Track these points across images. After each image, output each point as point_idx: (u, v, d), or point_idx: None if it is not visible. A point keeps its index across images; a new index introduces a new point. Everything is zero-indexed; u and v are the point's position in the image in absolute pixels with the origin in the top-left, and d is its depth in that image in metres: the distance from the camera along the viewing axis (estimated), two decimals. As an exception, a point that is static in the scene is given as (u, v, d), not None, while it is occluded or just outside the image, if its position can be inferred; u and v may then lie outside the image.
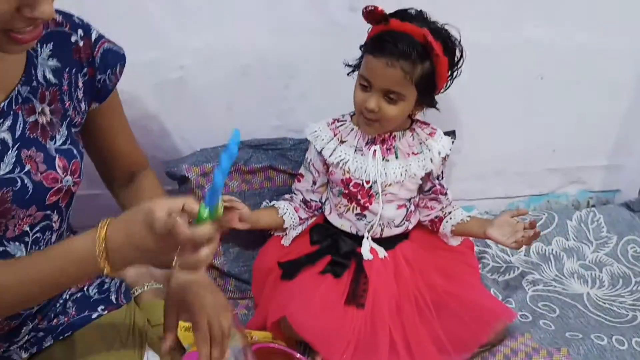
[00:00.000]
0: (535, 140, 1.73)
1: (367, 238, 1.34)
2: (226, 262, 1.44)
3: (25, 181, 0.83)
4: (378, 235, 1.36)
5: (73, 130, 0.92)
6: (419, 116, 1.36)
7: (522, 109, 1.67)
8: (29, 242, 0.88)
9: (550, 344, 1.32)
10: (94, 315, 0.98)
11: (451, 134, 1.46)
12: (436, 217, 1.40)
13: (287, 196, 1.41)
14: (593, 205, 1.89)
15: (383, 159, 1.30)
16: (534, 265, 1.62)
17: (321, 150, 1.32)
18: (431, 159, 1.32)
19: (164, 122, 1.49)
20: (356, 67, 1.27)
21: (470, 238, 1.46)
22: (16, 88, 0.83)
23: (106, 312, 0.99)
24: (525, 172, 1.79)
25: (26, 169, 0.83)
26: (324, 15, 1.41)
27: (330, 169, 1.33)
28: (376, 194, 1.31)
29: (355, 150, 1.31)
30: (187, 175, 1.39)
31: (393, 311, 1.25)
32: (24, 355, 0.92)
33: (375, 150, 1.30)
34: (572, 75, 1.65)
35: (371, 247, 1.34)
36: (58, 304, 0.98)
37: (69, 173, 0.88)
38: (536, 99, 1.66)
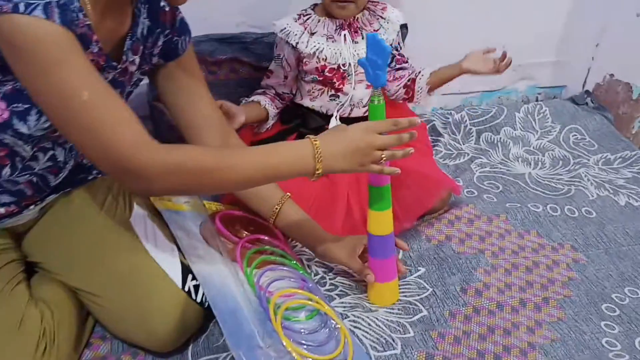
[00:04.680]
0: (486, 37, 1.83)
1: (336, 117, 1.46)
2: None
3: None
4: (346, 115, 1.48)
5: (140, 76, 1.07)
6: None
7: (474, 8, 1.78)
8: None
9: (491, 212, 1.48)
10: (89, 177, 1.12)
11: (404, 26, 1.57)
12: (408, 81, 1.50)
13: (259, 91, 1.50)
14: (541, 101, 2.03)
15: (353, 42, 1.41)
16: (483, 151, 1.76)
17: (296, 44, 1.42)
18: (392, 29, 1.47)
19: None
20: None
21: (425, 114, 1.58)
22: (125, 42, 0.95)
23: (99, 175, 1.13)
24: (478, 68, 1.90)
25: None
26: None
27: (304, 60, 1.43)
28: (349, 76, 1.42)
29: (327, 39, 1.41)
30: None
31: (352, 181, 1.38)
32: (34, 208, 1.06)
33: (345, 35, 1.40)
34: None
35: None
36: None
37: None
38: (486, -1, 1.77)
